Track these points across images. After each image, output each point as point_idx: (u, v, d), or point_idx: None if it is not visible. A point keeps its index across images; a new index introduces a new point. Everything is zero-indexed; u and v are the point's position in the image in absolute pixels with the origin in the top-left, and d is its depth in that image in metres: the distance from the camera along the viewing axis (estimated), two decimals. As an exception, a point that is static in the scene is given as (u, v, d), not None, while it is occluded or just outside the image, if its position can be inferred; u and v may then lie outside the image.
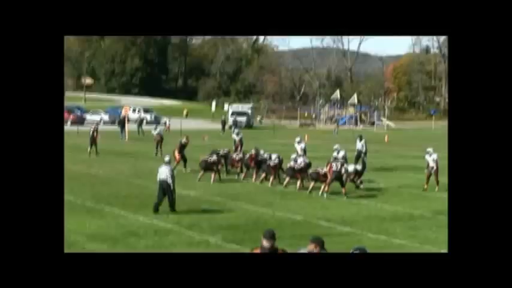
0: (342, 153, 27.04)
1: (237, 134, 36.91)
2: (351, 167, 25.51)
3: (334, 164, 23.97)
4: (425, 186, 25.82)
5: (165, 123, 64.54)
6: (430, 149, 26.60)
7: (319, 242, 8.96)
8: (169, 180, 19.55)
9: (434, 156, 26.04)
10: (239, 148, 34.45)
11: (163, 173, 19.73)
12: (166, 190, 19.59)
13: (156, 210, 19.37)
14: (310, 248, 8.84)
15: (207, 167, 26.65)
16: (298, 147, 30.64)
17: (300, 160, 25.97)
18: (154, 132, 38.47)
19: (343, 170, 23.92)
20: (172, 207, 19.61)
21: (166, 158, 20.72)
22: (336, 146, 28.45)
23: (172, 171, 20.00)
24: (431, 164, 25.94)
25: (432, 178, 25.92)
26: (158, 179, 19.80)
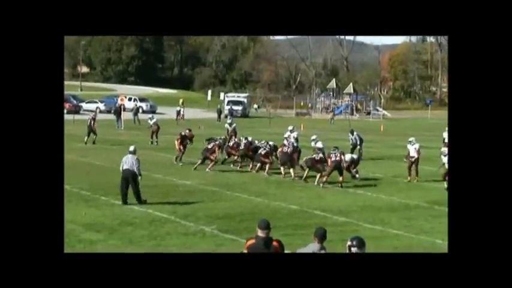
0: (319, 144, 26.53)
1: (230, 124, 36.82)
2: (347, 156, 25.47)
3: (333, 154, 23.90)
4: (409, 178, 25.67)
5: (179, 111, 64.00)
6: (412, 139, 26.62)
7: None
8: (136, 170, 19.06)
9: (417, 145, 25.97)
10: (233, 137, 34.42)
11: (128, 162, 19.20)
12: (129, 180, 19.08)
13: (125, 202, 18.99)
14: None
15: (206, 155, 26.53)
16: (291, 136, 30.50)
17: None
18: (151, 122, 38.45)
19: (343, 160, 23.88)
20: (138, 199, 19.09)
21: (131, 148, 20.00)
22: (313, 137, 28.66)
23: (138, 160, 19.41)
24: (413, 153, 25.80)
25: (412, 168, 25.84)
26: (121, 169, 19.31)
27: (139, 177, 19.27)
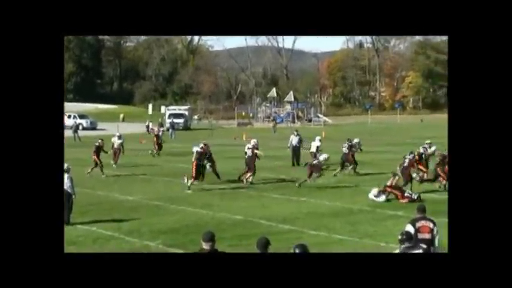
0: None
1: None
2: (322, 156, 26.67)
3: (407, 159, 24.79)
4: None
5: (148, 126, 63.94)
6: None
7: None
8: (70, 190, 18.58)
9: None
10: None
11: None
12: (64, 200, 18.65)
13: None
14: None
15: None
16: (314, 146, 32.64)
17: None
18: (117, 141, 34.42)
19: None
20: (67, 218, 18.27)
21: (64, 166, 19.51)
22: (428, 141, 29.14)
23: (71, 179, 18.86)
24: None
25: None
26: None
27: (73, 196, 18.85)
